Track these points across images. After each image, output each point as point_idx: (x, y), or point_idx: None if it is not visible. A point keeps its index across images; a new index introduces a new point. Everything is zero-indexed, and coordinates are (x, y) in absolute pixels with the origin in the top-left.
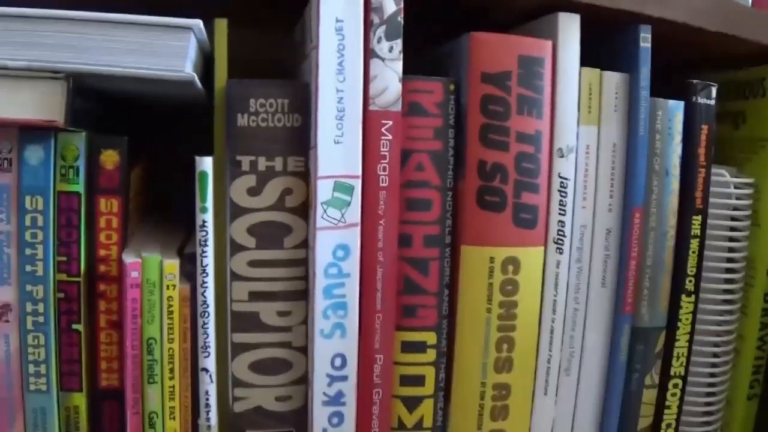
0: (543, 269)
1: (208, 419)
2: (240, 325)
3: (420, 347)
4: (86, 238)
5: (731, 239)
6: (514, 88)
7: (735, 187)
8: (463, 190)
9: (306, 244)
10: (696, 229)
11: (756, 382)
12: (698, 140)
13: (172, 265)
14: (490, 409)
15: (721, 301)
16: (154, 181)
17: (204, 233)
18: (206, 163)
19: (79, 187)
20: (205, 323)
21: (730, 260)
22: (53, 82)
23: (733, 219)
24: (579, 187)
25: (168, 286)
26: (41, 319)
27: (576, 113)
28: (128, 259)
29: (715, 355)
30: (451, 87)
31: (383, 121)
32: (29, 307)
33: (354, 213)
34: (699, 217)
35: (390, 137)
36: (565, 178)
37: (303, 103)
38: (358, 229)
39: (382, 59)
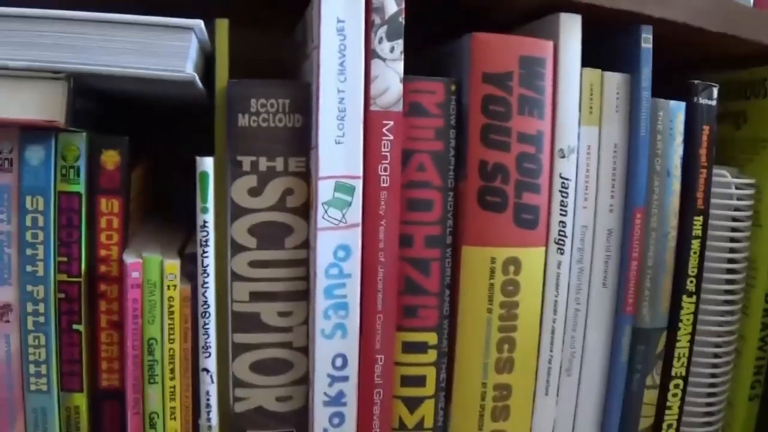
0: (544, 270)
1: (208, 419)
2: (241, 325)
3: (421, 348)
4: (87, 238)
5: (732, 240)
6: (515, 89)
7: (736, 188)
8: (464, 190)
9: (307, 245)
10: (697, 230)
11: (757, 383)
12: (699, 141)
13: (173, 265)
14: (491, 410)
15: (722, 302)
16: (155, 181)
17: (205, 233)
18: (207, 164)
19: (80, 188)
20: (205, 323)
21: (731, 261)
22: (54, 83)
23: (734, 219)
24: (580, 188)
25: (169, 286)
26: (42, 319)
27: (577, 114)
28: (129, 259)
29: (716, 355)
30: (453, 87)
31: (384, 122)
32: (30, 308)
33: (355, 213)
34: (700, 218)
35: (391, 137)
36: (567, 179)
37: (304, 104)
38: (359, 229)
39: (384, 59)
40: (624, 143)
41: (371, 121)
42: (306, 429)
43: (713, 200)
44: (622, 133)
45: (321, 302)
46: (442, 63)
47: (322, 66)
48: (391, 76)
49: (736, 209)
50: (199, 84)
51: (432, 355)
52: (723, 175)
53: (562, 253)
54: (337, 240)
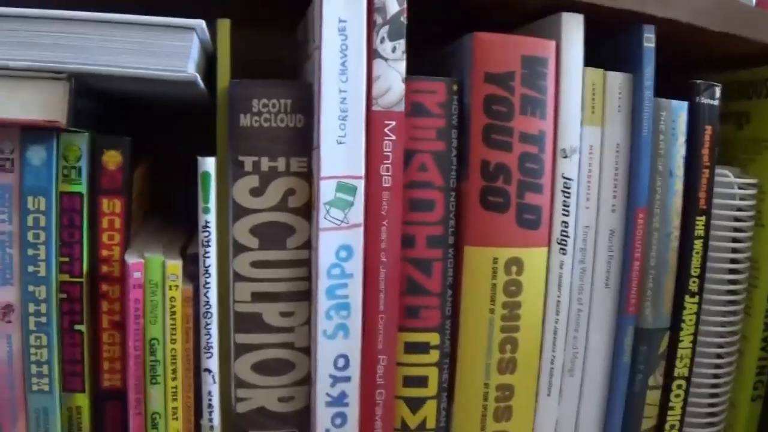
0: (546, 270)
1: (210, 420)
2: (243, 325)
3: (423, 348)
4: (89, 238)
5: (735, 240)
6: (517, 89)
7: (739, 188)
8: (466, 190)
9: (309, 245)
10: (700, 230)
11: (760, 383)
12: (702, 141)
13: (175, 265)
14: (494, 410)
15: (724, 302)
16: (157, 181)
17: (207, 234)
18: (209, 164)
19: (82, 188)
20: (207, 324)
21: (733, 261)
22: (55, 83)
23: (736, 220)
24: (582, 188)
25: (170, 286)
26: (44, 319)
27: (579, 113)
28: (131, 259)
29: (719, 356)
30: (455, 87)
31: (386, 122)
32: (32, 308)
33: (357, 213)
34: (703, 218)
35: (393, 138)
36: (569, 179)
37: (306, 104)
38: (361, 229)
39: (385, 59)
40: (626, 143)
41: (373, 121)
42: (308, 429)
43: (716, 200)
44: (625, 133)
45: (323, 302)
46: (444, 63)
47: (323, 66)
48: (393, 76)
49: (739, 209)
50: (201, 84)
51: (434, 356)
52: (725, 175)
53: (564, 254)
54: (339, 240)
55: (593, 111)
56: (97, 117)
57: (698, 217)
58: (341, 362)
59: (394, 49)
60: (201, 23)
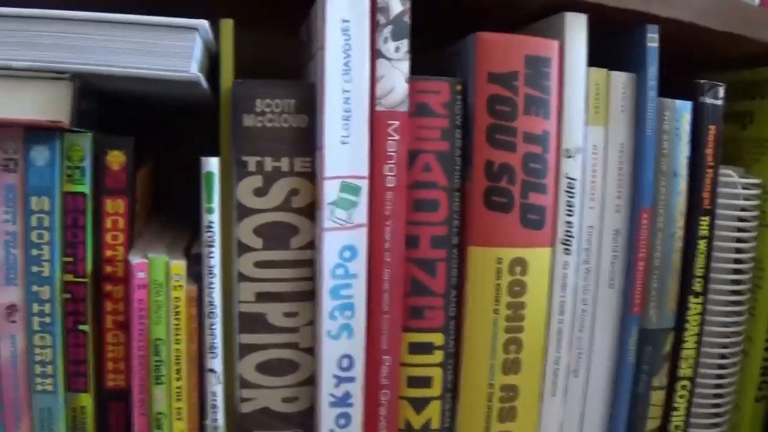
0: (551, 270)
1: (215, 420)
2: (247, 326)
3: (427, 348)
4: (92, 238)
5: (739, 240)
6: (521, 88)
7: (743, 188)
8: (470, 190)
9: (313, 245)
10: (704, 230)
11: (764, 384)
12: (706, 141)
13: (179, 265)
14: (498, 411)
15: (728, 302)
16: (160, 181)
17: (210, 234)
18: (212, 164)
19: (85, 188)
20: (211, 324)
21: (737, 261)
22: (59, 83)
23: (740, 220)
24: (587, 188)
25: (174, 286)
26: (48, 319)
27: (583, 113)
28: (135, 259)
29: (723, 356)
30: (458, 87)
31: (390, 122)
32: (36, 308)
33: (361, 214)
34: (707, 218)
35: (397, 138)
36: (573, 179)
37: (309, 104)
38: (365, 229)
39: (389, 59)
40: (630, 143)
41: (377, 121)
42: (312, 430)
43: (720, 200)
44: (629, 133)
45: (327, 303)
46: (448, 63)
47: (327, 66)
48: (396, 76)
49: (743, 209)
50: (205, 84)
51: (438, 356)
52: (729, 175)
53: (568, 254)
54: (343, 240)
55: (597, 111)
56: (101, 117)
57: (702, 218)
58: (345, 362)
59: (397, 49)
60: (204, 23)
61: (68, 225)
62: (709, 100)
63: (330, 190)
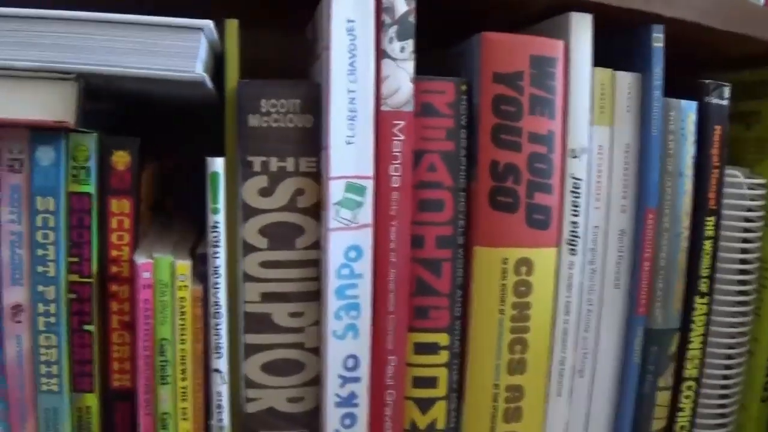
0: (556, 270)
1: (220, 420)
2: (252, 326)
3: (433, 348)
4: (98, 238)
5: (745, 240)
6: (526, 88)
7: (748, 188)
8: (475, 190)
9: (318, 245)
10: (709, 230)
11: None
12: (711, 141)
13: (184, 266)
14: (504, 411)
15: (734, 303)
16: (165, 182)
17: (216, 234)
18: (218, 164)
19: (91, 188)
20: (217, 324)
21: (743, 261)
22: (64, 83)
23: (746, 220)
24: (592, 188)
25: (180, 286)
26: (53, 319)
27: (588, 113)
28: (140, 260)
29: (729, 357)
30: (463, 87)
31: (395, 122)
32: (41, 308)
33: (366, 214)
34: (712, 218)
35: (402, 138)
36: (578, 179)
37: (314, 104)
38: (371, 230)
39: (394, 59)
40: (636, 143)
41: (382, 121)
42: (318, 430)
43: (725, 200)
44: (634, 133)
45: (332, 303)
46: (453, 63)
47: (332, 66)
48: (401, 76)
49: (749, 209)
50: (210, 84)
51: (444, 356)
52: (735, 175)
53: (574, 254)
54: (348, 240)
55: (602, 111)
56: (106, 117)
57: (708, 218)
58: (351, 363)
59: (402, 49)
60: (209, 23)
61: (73, 225)
62: (714, 100)
63: (335, 190)
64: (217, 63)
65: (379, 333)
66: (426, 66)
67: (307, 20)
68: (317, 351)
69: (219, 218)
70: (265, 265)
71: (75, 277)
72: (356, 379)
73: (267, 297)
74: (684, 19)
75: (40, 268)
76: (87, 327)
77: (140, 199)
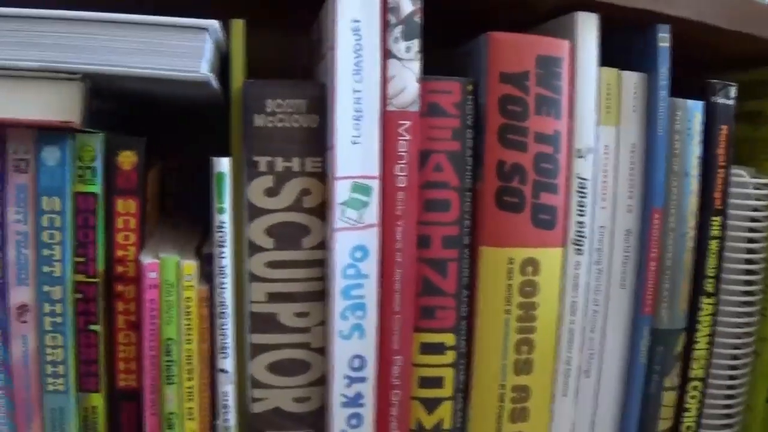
0: (562, 270)
1: (226, 420)
2: (258, 326)
3: (439, 349)
4: (104, 238)
5: (750, 240)
6: (532, 88)
7: (754, 188)
8: (481, 190)
9: (324, 245)
10: (715, 230)
11: None
12: (717, 141)
13: (190, 266)
14: (510, 411)
15: (740, 303)
16: (171, 182)
17: (221, 234)
18: (223, 164)
19: (96, 188)
20: (223, 324)
21: (749, 261)
22: (70, 83)
23: (752, 220)
24: (598, 188)
25: (186, 286)
26: (59, 319)
27: (595, 113)
28: (146, 259)
29: (735, 357)
30: (469, 87)
31: (401, 122)
32: (47, 308)
33: (372, 214)
34: (718, 218)
35: (408, 138)
36: (584, 179)
37: (320, 104)
38: (377, 230)
39: (400, 59)
40: (642, 143)
41: (388, 121)
42: (323, 430)
43: (731, 200)
44: (640, 133)
45: (338, 303)
46: (459, 63)
47: (337, 66)
48: (407, 75)
49: (755, 209)
50: (215, 84)
51: (450, 356)
52: (741, 175)
53: (580, 254)
54: (354, 240)
55: (608, 111)
56: (111, 117)
57: (714, 218)
58: (357, 363)
59: (408, 49)
60: (214, 23)
61: (79, 225)
62: (720, 100)
63: (341, 190)
64: (222, 63)
65: (385, 333)
66: (432, 66)
67: (305, 20)
68: (323, 351)
69: (225, 218)
70: (271, 265)
71: (81, 277)
72: (362, 379)
73: (273, 297)
74: (690, 19)
75: (45, 268)
76: (93, 327)
77: (146, 199)
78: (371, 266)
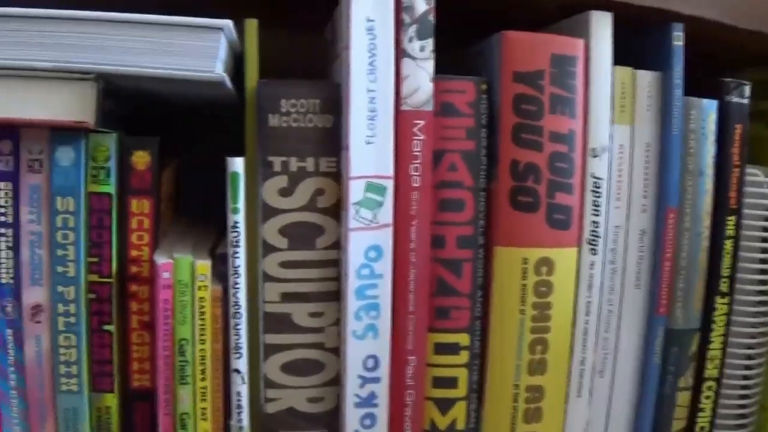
0: (577, 270)
1: (239, 420)
2: (272, 326)
3: (453, 349)
4: (118, 239)
5: (765, 240)
6: (546, 88)
7: None
8: (496, 190)
9: (338, 245)
10: (730, 230)
11: None
12: (732, 140)
13: (204, 266)
14: (524, 412)
15: (755, 303)
16: (185, 181)
17: (236, 234)
18: (238, 164)
19: (111, 188)
20: (237, 324)
21: (764, 261)
22: (83, 84)
23: (767, 219)
24: (613, 188)
25: (200, 287)
26: (73, 319)
27: (609, 112)
28: (160, 260)
29: (749, 357)
30: (483, 86)
31: (415, 121)
32: (61, 308)
33: (386, 213)
34: (733, 218)
35: (422, 137)
36: (599, 178)
37: (334, 104)
38: (391, 229)
39: (414, 59)
40: (656, 142)
41: (402, 120)
42: (337, 430)
43: (746, 200)
44: (655, 132)
45: (352, 303)
46: (473, 62)
47: (352, 66)
48: (421, 75)
49: None
50: (230, 84)
51: (464, 357)
52: (756, 174)
53: (594, 254)
54: (368, 240)
55: (623, 110)
56: (125, 117)
57: (728, 217)
58: (371, 363)
59: (422, 49)
60: (228, 23)
61: (93, 225)
62: (735, 99)
63: (355, 190)
64: (237, 63)
65: (399, 333)
66: (446, 65)
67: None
68: (337, 351)
69: (239, 218)
70: (285, 265)
71: (95, 277)
72: (376, 380)
73: (287, 297)
74: (703, 17)
75: (59, 269)
76: (107, 327)
77: (160, 199)
78: (385, 266)
